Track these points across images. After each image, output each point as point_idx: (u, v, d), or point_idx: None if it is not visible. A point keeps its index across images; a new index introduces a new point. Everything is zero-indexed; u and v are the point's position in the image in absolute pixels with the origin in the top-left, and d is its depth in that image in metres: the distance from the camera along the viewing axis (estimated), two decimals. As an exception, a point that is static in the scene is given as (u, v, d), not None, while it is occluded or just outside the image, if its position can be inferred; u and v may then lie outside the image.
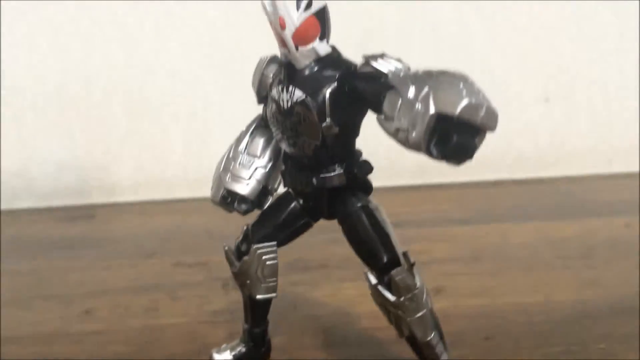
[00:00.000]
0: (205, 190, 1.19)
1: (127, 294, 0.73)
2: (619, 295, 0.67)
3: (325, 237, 0.84)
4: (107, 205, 1.14)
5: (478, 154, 1.17)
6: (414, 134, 0.37)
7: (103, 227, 1.02)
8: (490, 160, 1.15)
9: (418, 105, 0.36)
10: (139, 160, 1.14)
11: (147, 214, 1.07)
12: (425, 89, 0.37)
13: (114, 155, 1.14)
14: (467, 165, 1.15)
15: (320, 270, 0.78)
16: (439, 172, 1.14)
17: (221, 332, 0.62)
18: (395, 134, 0.39)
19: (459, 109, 0.35)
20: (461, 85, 0.36)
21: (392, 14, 1.10)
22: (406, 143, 0.38)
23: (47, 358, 0.60)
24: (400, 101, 0.38)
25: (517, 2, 1.11)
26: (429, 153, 0.37)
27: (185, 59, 1.11)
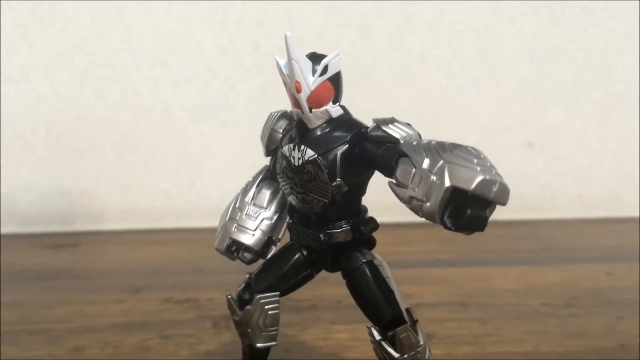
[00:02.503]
0: (192, 221, 1.20)
1: (117, 331, 0.73)
2: (602, 347, 0.69)
3: (315, 278, 0.86)
4: (92, 232, 1.13)
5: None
6: (428, 205, 0.38)
7: (88, 257, 1.02)
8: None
9: (433, 178, 0.38)
10: (126, 190, 1.15)
11: (132, 244, 1.07)
12: (440, 162, 0.38)
13: (100, 184, 1.14)
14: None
15: (311, 312, 0.78)
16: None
17: (215, 376, 0.62)
18: (408, 201, 0.40)
19: (473, 185, 0.37)
20: (476, 161, 0.38)
21: (385, 60, 1.13)
22: (419, 212, 0.40)
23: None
24: (414, 171, 0.40)
25: (504, 59, 1.14)
26: (442, 224, 0.39)
27: (178, 98, 1.12)
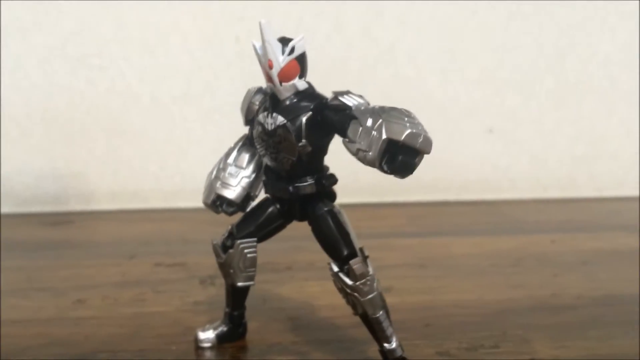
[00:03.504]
0: (179, 201, 1.31)
1: (115, 287, 0.84)
2: (538, 296, 0.81)
3: (291, 245, 0.98)
4: (84, 212, 1.24)
5: (430, 178, 1.35)
6: (370, 154, 0.51)
7: (83, 231, 1.13)
8: (441, 184, 1.31)
9: (374, 133, 0.50)
10: (116, 173, 1.25)
11: (124, 221, 1.18)
12: (380, 121, 0.51)
13: (92, 167, 1.25)
14: (420, 186, 1.33)
15: (287, 272, 0.90)
16: (395, 191, 1.30)
17: (202, 319, 0.74)
18: (356, 153, 0.52)
19: (403, 137, 0.49)
20: (406, 119, 0.50)
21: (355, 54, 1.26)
22: (364, 160, 0.52)
23: (49, 337, 0.70)
24: (360, 129, 0.52)
25: (466, 50, 1.27)
26: (381, 168, 0.51)
27: (164, 86, 1.23)
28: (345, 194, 1.27)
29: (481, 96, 1.30)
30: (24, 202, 1.24)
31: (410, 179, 1.41)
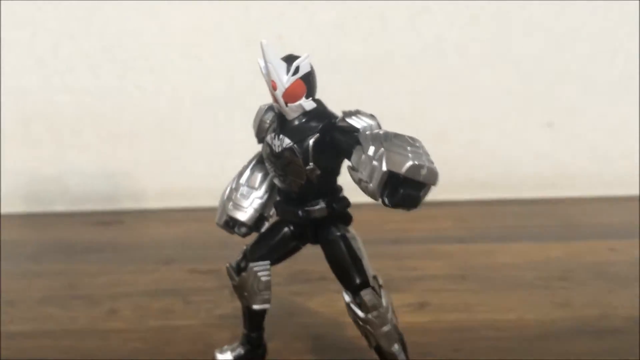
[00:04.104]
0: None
1: (147, 297, 0.84)
2: (585, 317, 0.74)
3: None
4: (135, 211, 1.26)
5: (483, 175, 1.26)
6: (370, 185, 0.46)
7: (130, 233, 1.14)
8: (494, 181, 1.24)
9: (375, 163, 0.46)
10: (165, 172, 1.26)
11: (170, 221, 1.19)
12: (381, 150, 0.46)
13: (141, 167, 1.26)
14: (472, 184, 1.25)
15: (319, 282, 0.87)
16: (444, 190, 1.23)
17: (226, 334, 0.72)
18: (358, 182, 0.48)
19: (404, 169, 0.44)
20: (409, 149, 0.45)
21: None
22: (366, 191, 0.47)
23: (79, 351, 0.70)
24: (363, 156, 0.47)
25: (520, 39, 1.18)
26: (382, 201, 0.46)
27: (208, 87, 1.22)
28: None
29: (539, 88, 1.20)
30: (78, 200, 1.27)
31: (461, 176, 1.34)
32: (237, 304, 0.79)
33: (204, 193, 1.27)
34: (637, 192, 1.21)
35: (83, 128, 1.24)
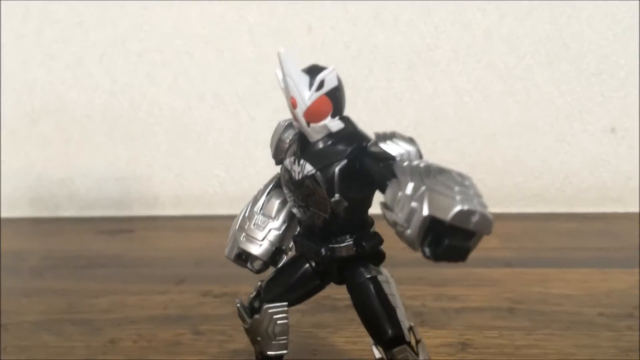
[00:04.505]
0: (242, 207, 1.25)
1: (153, 324, 0.79)
2: (657, 368, 0.67)
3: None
4: (147, 218, 1.22)
5: (535, 186, 1.17)
6: (409, 232, 0.40)
7: (140, 244, 1.10)
8: (547, 193, 1.16)
9: (414, 204, 0.39)
10: (180, 176, 1.21)
11: (184, 230, 1.14)
12: (422, 188, 0.39)
13: (155, 170, 1.21)
14: (522, 195, 1.16)
15: (347, 311, 0.81)
16: (490, 201, 1.16)
17: (237, 377, 0.67)
18: (393, 225, 0.42)
19: (450, 216, 0.37)
20: (457, 189, 0.38)
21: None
22: (402, 237, 0.41)
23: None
24: (400, 194, 0.41)
25: (581, 34, 1.10)
26: (422, 253, 0.40)
27: (230, 83, 1.17)
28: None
29: (601, 90, 1.12)
30: (87, 205, 1.24)
31: (509, 187, 1.26)
32: (253, 338, 0.75)
33: (222, 200, 1.23)
34: None
35: (94, 127, 1.21)
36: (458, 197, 0.38)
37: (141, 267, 0.99)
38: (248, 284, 0.80)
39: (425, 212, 0.39)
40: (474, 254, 1.04)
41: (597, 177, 1.15)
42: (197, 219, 1.20)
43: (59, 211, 1.23)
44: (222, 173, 1.21)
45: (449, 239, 0.38)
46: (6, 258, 1.00)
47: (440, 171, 0.40)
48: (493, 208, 1.25)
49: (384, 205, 0.43)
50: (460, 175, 0.40)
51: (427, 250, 0.39)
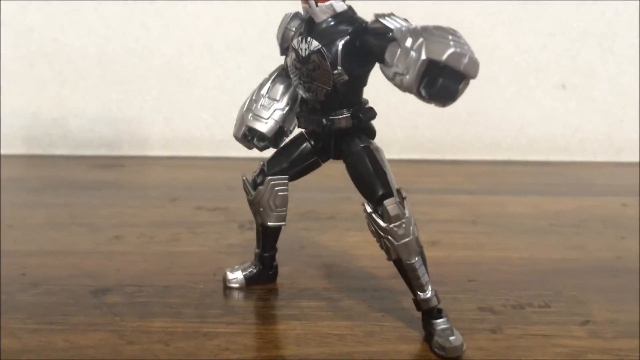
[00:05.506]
0: (230, 150, 1.29)
1: (153, 227, 0.83)
2: (599, 258, 0.74)
3: (338, 196, 0.94)
4: (137, 157, 1.24)
5: (493, 136, 1.25)
6: (407, 77, 0.45)
7: (132, 175, 1.13)
8: (504, 142, 1.23)
9: (412, 53, 0.45)
10: (169, 119, 1.24)
11: (173, 167, 1.17)
12: (420, 40, 0.45)
13: (145, 113, 1.24)
14: (482, 145, 1.23)
15: (329, 221, 0.86)
16: (453, 149, 1.23)
17: (235, 260, 0.71)
18: (393, 77, 0.47)
19: (445, 56, 0.43)
20: (450, 37, 0.44)
21: None
22: (401, 86, 0.46)
23: (82, 270, 0.69)
24: (399, 50, 0.46)
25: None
26: (418, 94, 0.45)
27: (219, 31, 1.20)
28: (404, 150, 1.23)
29: (554, 49, 1.20)
30: (80, 144, 1.25)
31: (471, 136, 1.33)
32: (247, 236, 0.80)
33: (208, 143, 1.26)
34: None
35: (87, 70, 1.23)
36: (452, 43, 0.44)
37: (136, 190, 1.02)
38: (238, 202, 0.84)
39: (424, 56, 0.44)
40: (439, 186, 1.10)
41: (548, 128, 1.23)
42: (185, 159, 1.23)
43: (52, 149, 1.25)
44: (209, 117, 1.25)
45: (443, 79, 0.44)
46: (4, 184, 1.02)
47: (436, 27, 0.46)
48: (456, 155, 1.31)
49: (384, 64, 0.48)
50: (452, 29, 0.46)
51: (423, 91, 0.45)
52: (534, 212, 0.91)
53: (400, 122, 1.24)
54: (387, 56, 0.48)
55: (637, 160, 1.22)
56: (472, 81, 0.45)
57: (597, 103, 1.22)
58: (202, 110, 1.25)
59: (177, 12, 1.20)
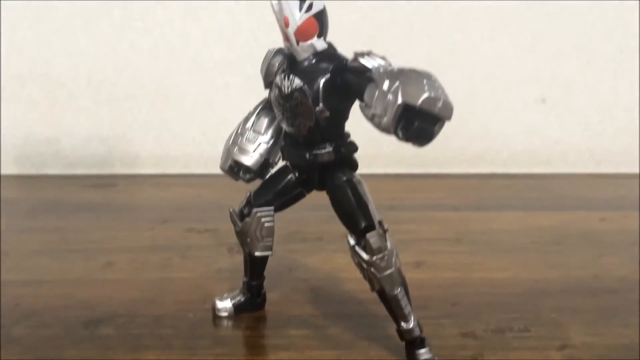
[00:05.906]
0: (218, 168, 1.29)
1: (144, 252, 0.83)
2: (578, 277, 0.75)
3: (323, 214, 0.94)
4: (128, 175, 1.24)
5: (476, 149, 1.27)
6: (385, 119, 0.46)
7: (123, 195, 1.13)
8: (487, 155, 1.24)
9: (390, 96, 0.45)
10: (159, 137, 1.25)
11: (164, 185, 1.18)
12: (397, 83, 0.45)
13: (136, 131, 1.24)
14: (465, 158, 1.25)
15: (316, 243, 0.87)
16: (436, 162, 1.23)
17: (224, 286, 0.71)
18: (371, 118, 0.48)
19: (420, 101, 0.44)
20: (425, 82, 0.45)
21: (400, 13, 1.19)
22: (379, 126, 0.47)
23: (75, 299, 0.69)
24: (377, 92, 0.47)
25: (519, 13, 1.18)
26: (396, 135, 0.46)
27: (207, 51, 1.21)
28: (389, 164, 1.24)
29: (534, 63, 1.21)
30: (71, 164, 1.25)
31: (454, 150, 1.34)
32: (236, 260, 0.80)
33: (198, 160, 1.27)
34: (628, 170, 1.23)
35: (78, 89, 1.23)
36: (426, 87, 0.44)
37: (127, 211, 1.02)
38: (228, 223, 0.84)
39: (400, 100, 0.45)
40: (423, 202, 1.11)
41: (529, 141, 1.24)
42: (175, 177, 1.23)
43: (45, 169, 1.25)
44: (198, 135, 1.25)
45: (419, 122, 0.45)
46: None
47: (411, 70, 0.47)
48: (440, 168, 1.33)
49: (364, 105, 0.49)
50: (428, 72, 0.46)
51: (400, 132, 0.46)
52: (516, 227, 0.92)
53: (385, 137, 1.24)
54: (365, 97, 0.49)
55: (616, 171, 1.23)
56: (455, 95, 0.46)
57: (576, 116, 1.23)
58: (192, 128, 1.25)
59: (165, 32, 1.21)
